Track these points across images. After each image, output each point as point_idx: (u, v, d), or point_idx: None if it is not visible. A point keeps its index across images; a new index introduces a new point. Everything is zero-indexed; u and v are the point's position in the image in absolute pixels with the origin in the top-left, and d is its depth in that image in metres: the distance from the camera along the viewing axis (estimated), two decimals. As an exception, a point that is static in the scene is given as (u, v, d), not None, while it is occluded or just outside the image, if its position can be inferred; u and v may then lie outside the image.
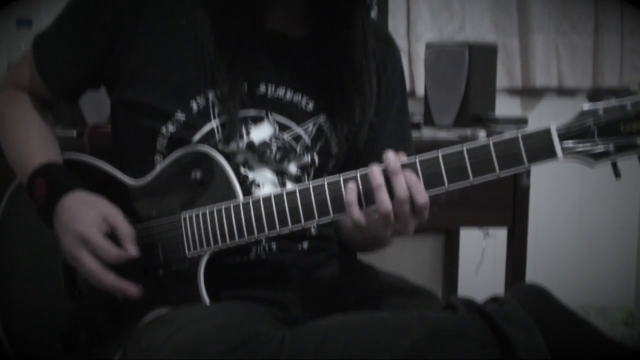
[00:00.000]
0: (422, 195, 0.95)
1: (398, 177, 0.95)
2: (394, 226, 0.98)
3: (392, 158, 0.96)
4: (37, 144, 1.18)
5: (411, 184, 0.96)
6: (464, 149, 0.95)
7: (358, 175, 0.99)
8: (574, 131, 0.91)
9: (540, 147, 0.92)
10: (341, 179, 0.99)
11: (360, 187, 0.98)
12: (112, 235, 1.07)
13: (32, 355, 1.20)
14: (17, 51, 1.60)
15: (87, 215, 1.06)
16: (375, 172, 0.97)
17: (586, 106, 0.91)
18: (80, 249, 1.05)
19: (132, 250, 1.06)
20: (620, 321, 2.36)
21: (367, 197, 0.98)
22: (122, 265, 1.06)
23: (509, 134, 0.94)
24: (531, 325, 0.94)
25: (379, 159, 1.03)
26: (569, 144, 0.92)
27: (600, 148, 0.91)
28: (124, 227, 1.07)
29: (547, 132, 0.92)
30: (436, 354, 0.91)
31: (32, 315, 1.21)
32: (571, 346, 0.97)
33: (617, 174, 0.92)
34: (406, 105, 1.29)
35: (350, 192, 0.98)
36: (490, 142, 0.94)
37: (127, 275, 1.06)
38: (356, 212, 0.97)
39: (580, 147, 0.91)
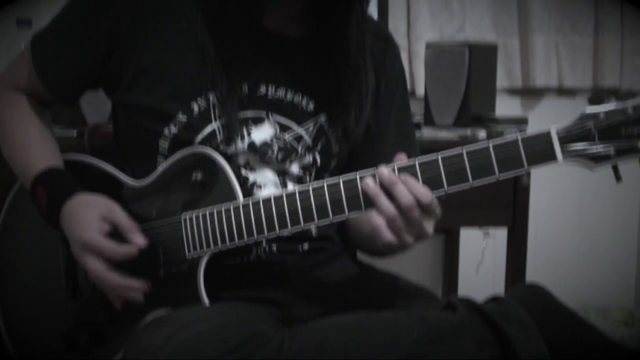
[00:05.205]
0: (425, 195, 0.94)
1: (396, 186, 0.95)
2: (411, 231, 0.96)
3: (385, 172, 0.95)
4: (36, 148, 1.17)
5: (411, 187, 0.95)
6: (464, 151, 0.94)
7: (357, 177, 0.98)
8: (574, 134, 0.91)
9: (541, 150, 0.92)
10: (341, 181, 0.99)
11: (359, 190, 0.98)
12: (116, 232, 1.06)
13: (34, 355, 1.21)
14: (17, 51, 1.60)
15: (85, 218, 1.06)
16: (370, 183, 0.96)
17: (587, 109, 0.91)
18: (84, 254, 1.05)
19: (140, 239, 1.05)
20: (620, 321, 2.36)
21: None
22: (127, 265, 1.05)
23: (508, 136, 0.94)
24: (531, 325, 0.94)
25: (380, 157, 1.02)
26: (570, 147, 0.91)
27: (600, 151, 0.90)
28: (124, 221, 1.06)
29: (547, 135, 0.92)
30: (436, 354, 0.91)
31: (34, 315, 1.21)
32: (571, 346, 0.97)
33: (617, 177, 0.92)
34: (407, 104, 1.28)
35: (372, 184, 0.96)
36: (490, 145, 0.94)
37: (134, 274, 1.06)
38: (385, 202, 0.95)
39: (581, 150, 0.91)
